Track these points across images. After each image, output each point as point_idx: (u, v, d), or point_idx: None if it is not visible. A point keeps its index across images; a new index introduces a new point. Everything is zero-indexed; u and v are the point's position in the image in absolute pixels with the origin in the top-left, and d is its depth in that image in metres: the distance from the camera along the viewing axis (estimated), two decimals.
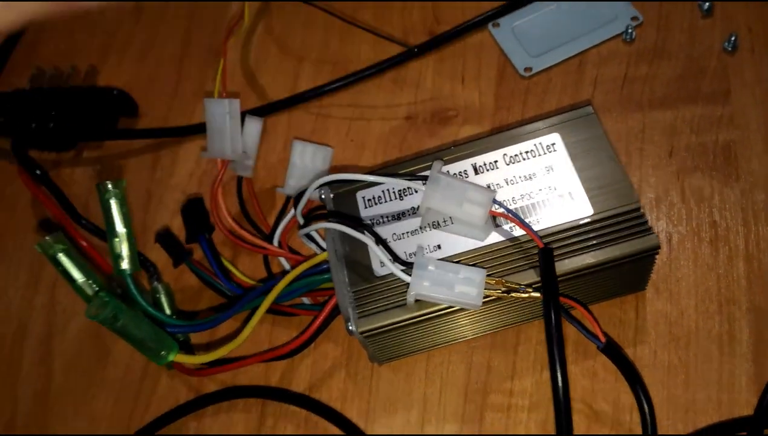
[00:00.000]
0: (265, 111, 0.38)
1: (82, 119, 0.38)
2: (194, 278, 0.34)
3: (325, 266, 0.30)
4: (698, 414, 0.28)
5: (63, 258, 0.28)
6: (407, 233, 0.29)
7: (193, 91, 0.41)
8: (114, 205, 0.29)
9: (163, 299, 0.33)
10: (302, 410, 0.31)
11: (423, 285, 0.26)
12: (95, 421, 0.32)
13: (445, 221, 0.28)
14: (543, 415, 0.29)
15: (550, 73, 0.37)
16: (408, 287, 0.26)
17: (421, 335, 0.29)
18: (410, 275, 0.26)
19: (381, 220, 0.29)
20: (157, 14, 0.44)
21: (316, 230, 0.31)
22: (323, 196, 0.30)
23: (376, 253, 0.27)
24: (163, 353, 0.28)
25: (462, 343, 0.31)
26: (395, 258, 0.27)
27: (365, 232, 0.28)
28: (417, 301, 0.27)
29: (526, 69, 0.37)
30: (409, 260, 0.27)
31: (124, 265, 0.29)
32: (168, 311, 0.32)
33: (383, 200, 0.30)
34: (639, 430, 0.27)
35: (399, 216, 0.29)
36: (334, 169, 0.35)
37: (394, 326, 0.27)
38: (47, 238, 0.28)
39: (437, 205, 0.27)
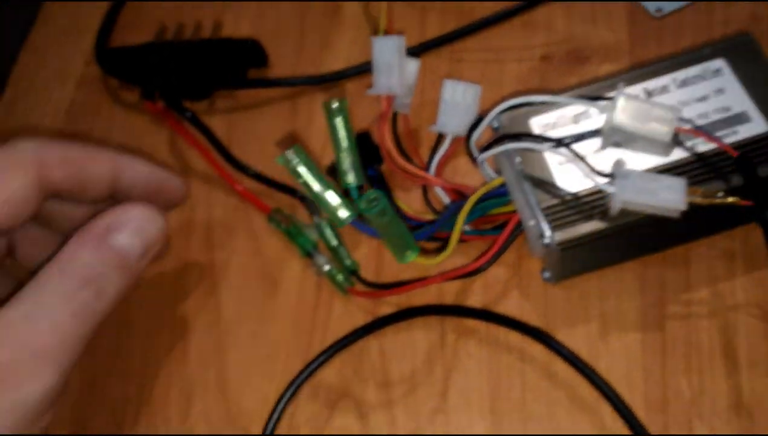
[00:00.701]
0: None
1: (217, 70, 0.39)
2: None
3: (501, 190, 0.31)
4: None
5: (303, 170, 0.29)
6: (587, 154, 0.30)
7: (319, 43, 0.42)
8: (340, 121, 0.30)
9: (328, 232, 0.34)
10: (481, 327, 0.32)
11: (629, 193, 0.27)
12: (274, 346, 0.33)
13: (626, 141, 0.30)
14: (722, 322, 0.31)
15: (681, 13, 0.39)
16: (611, 197, 0.28)
17: (610, 248, 0.30)
18: (613, 186, 0.28)
19: None
20: None
21: (485, 160, 0.32)
22: (497, 125, 0.32)
23: (578, 166, 0.29)
24: (408, 252, 0.29)
25: (632, 263, 0.32)
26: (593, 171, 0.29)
27: (560, 148, 0.29)
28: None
29: (657, 10, 0.39)
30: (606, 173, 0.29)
31: (350, 178, 0.30)
32: (335, 242, 0.34)
33: (557, 126, 0.31)
34: None
35: (576, 139, 0.31)
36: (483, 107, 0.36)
37: (592, 236, 0.29)
38: (288, 151, 0.29)
39: (623, 123, 0.29)
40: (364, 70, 0.39)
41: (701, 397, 0.30)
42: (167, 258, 0.35)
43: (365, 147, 0.34)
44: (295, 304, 0.34)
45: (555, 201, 0.29)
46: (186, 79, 0.38)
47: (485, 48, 0.40)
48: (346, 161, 0.31)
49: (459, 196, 0.34)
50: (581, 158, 0.29)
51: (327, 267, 0.33)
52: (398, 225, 0.28)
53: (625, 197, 0.27)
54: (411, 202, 0.35)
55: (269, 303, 0.34)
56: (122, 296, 0.27)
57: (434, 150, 0.35)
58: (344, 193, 0.32)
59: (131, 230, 0.27)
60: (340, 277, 0.33)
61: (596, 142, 0.30)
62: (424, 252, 0.33)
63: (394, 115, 0.36)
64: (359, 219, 0.30)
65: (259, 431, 0.31)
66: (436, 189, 0.34)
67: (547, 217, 0.29)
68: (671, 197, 0.27)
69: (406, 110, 0.35)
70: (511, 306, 0.32)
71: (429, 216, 0.34)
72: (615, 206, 0.27)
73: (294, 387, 0.32)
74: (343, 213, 0.28)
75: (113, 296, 0.27)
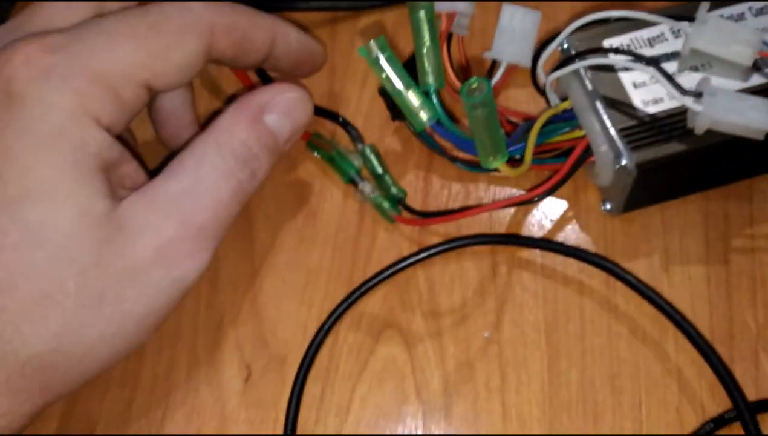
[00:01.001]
0: None
1: None
2: (396, 141, 0.34)
3: (566, 115, 0.30)
4: None
5: (386, 64, 0.27)
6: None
7: None
8: (423, 17, 0.28)
9: (374, 158, 0.32)
10: (535, 259, 0.30)
11: (717, 111, 0.26)
12: (313, 274, 0.31)
13: (703, 65, 0.29)
14: None
15: None
16: (696, 117, 0.26)
17: (682, 175, 0.29)
18: (700, 104, 0.26)
19: None
20: None
21: (553, 80, 0.31)
22: (566, 46, 0.30)
23: (660, 85, 0.27)
24: (498, 156, 0.27)
25: (694, 197, 0.31)
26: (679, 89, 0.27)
27: (641, 64, 0.27)
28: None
29: None
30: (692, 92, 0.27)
31: (431, 79, 0.28)
32: (380, 169, 0.32)
33: (632, 48, 0.30)
34: None
35: (654, 60, 0.29)
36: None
37: (671, 159, 0.27)
38: (372, 42, 0.27)
39: (704, 45, 0.27)
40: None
41: (767, 330, 0.28)
42: None
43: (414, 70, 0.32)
44: (335, 232, 0.32)
45: (631, 122, 0.28)
46: None
47: None
48: (429, 61, 0.28)
49: (512, 126, 0.32)
50: (667, 75, 0.27)
51: (373, 194, 0.31)
52: (495, 122, 0.26)
53: (713, 116, 0.26)
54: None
55: (307, 230, 0.32)
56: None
57: (488, 74, 0.34)
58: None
59: (283, 110, 0.27)
60: (386, 204, 0.31)
61: (672, 66, 0.29)
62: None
63: (449, 37, 0.34)
64: (438, 124, 0.28)
65: (296, 359, 0.29)
66: None
67: (625, 137, 0.27)
68: (759, 117, 0.26)
69: (464, 32, 0.33)
70: (567, 239, 0.31)
71: None
72: (701, 126, 0.26)
73: (336, 315, 0.30)
74: (424, 115, 0.26)
75: (262, 179, 0.27)
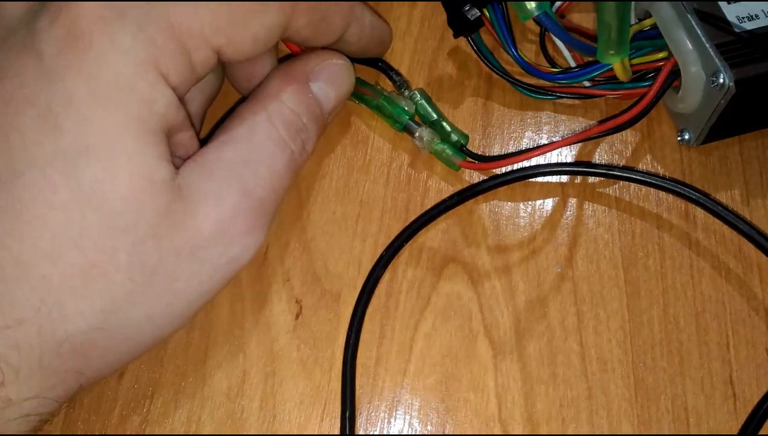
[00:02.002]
0: None
1: None
2: (451, 65, 0.31)
3: (650, 33, 0.27)
4: None
5: None
6: None
7: None
8: None
9: (426, 105, 0.29)
10: (608, 191, 0.28)
11: None
12: (365, 205, 0.28)
13: None
14: None
15: None
16: None
17: None
18: None
19: None
20: None
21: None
22: None
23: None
24: (620, 50, 0.23)
25: None
26: None
27: None
28: None
29: None
30: None
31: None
32: (435, 116, 0.29)
33: None
34: None
35: None
36: None
37: None
38: None
39: None
40: None
41: None
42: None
43: None
44: (388, 160, 0.29)
45: (728, 38, 0.25)
46: None
47: None
48: None
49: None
50: None
51: (436, 141, 0.28)
52: (628, 13, 0.23)
53: None
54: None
55: (357, 158, 0.29)
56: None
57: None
58: None
59: (328, 78, 0.26)
60: (449, 151, 0.28)
61: None
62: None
63: None
64: (545, 16, 0.25)
65: (351, 295, 0.27)
66: (558, 43, 0.30)
67: (722, 54, 0.25)
68: None
69: None
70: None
71: (550, 69, 0.30)
72: None
73: (394, 248, 0.27)
74: (532, 3, 0.23)
75: (310, 153, 0.26)
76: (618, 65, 0.25)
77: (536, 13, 0.24)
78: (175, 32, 0.21)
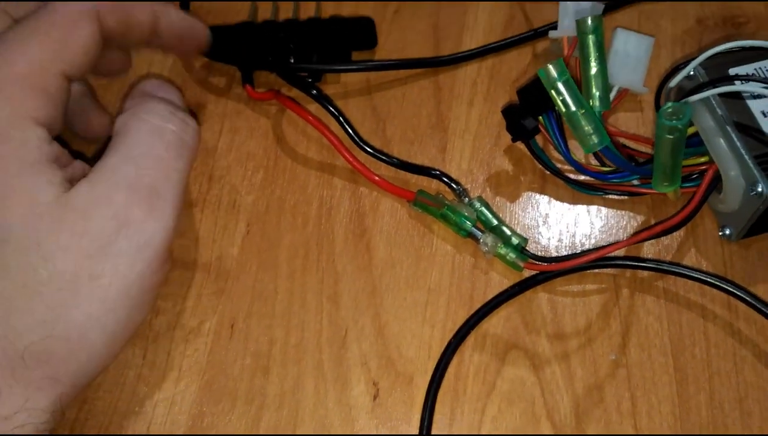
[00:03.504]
0: None
1: (330, 50, 0.36)
2: (507, 161, 0.34)
3: (693, 141, 0.30)
4: None
5: (563, 87, 0.27)
6: None
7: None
8: (593, 38, 0.28)
9: (486, 212, 0.32)
10: (657, 283, 0.31)
11: None
12: (433, 293, 0.31)
13: None
14: None
15: None
16: None
17: None
18: None
19: None
20: None
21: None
22: (693, 73, 0.31)
23: None
24: (673, 181, 0.27)
25: None
26: None
27: None
28: None
29: None
30: None
31: (598, 102, 0.29)
32: (495, 222, 0.32)
33: (758, 75, 0.30)
34: None
35: None
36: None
37: None
38: (550, 64, 0.27)
39: None
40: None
41: None
42: (311, 202, 0.33)
43: (529, 96, 0.32)
44: (452, 252, 0.32)
45: (765, 150, 0.28)
46: (304, 58, 0.35)
47: (638, 9, 0.39)
48: (596, 85, 0.29)
49: (626, 150, 0.33)
50: None
51: (500, 245, 0.30)
52: (681, 149, 0.26)
53: None
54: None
55: (425, 249, 0.32)
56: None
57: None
58: None
59: (161, 86, 0.30)
60: (512, 255, 0.31)
61: None
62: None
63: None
64: (606, 149, 0.29)
65: (423, 378, 0.29)
66: None
67: (760, 164, 0.28)
68: None
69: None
70: (686, 264, 0.31)
71: (600, 168, 0.33)
72: None
73: (462, 334, 0.30)
74: (596, 138, 0.27)
75: (197, 130, 0.29)
76: (671, 193, 0.28)
77: (599, 148, 0.27)
78: (24, 79, 0.25)
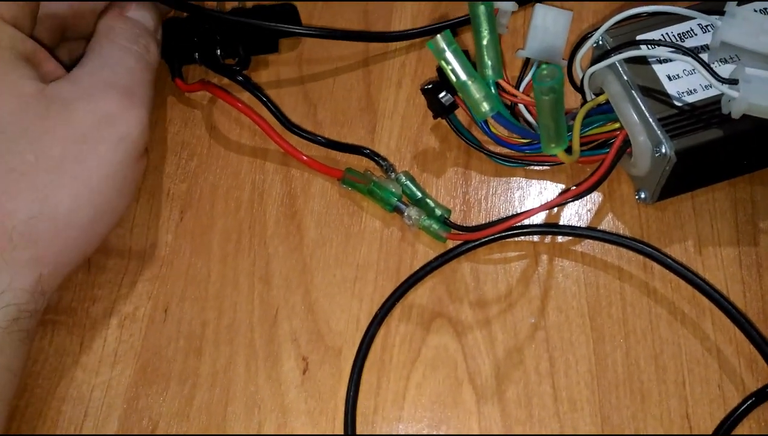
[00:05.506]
0: None
1: (255, 38, 0.36)
2: (434, 139, 0.35)
3: (603, 108, 0.31)
4: None
5: (452, 57, 0.28)
6: (692, 70, 0.30)
7: None
8: (483, 12, 0.29)
9: (412, 186, 0.33)
10: (575, 248, 0.32)
11: (754, 96, 0.27)
12: (361, 269, 0.32)
13: (731, 57, 0.30)
14: None
15: None
16: (734, 103, 0.27)
17: (717, 162, 0.30)
18: (736, 90, 0.28)
19: None
20: None
21: (591, 74, 0.32)
22: (600, 42, 0.31)
23: (701, 72, 0.28)
24: (559, 142, 0.28)
25: (722, 185, 0.32)
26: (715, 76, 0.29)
27: (684, 54, 0.29)
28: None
29: None
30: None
31: (490, 71, 0.30)
32: (419, 195, 0.33)
33: (664, 40, 0.31)
34: None
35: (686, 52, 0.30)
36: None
37: (709, 145, 0.29)
38: (438, 36, 0.28)
39: (733, 38, 0.29)
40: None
41: None
42: (243, 187, 0.34)
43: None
44: (380, 228, 0.33)
45: (669, 112, 0.29)
46: (230, 49, 0.35)
47: None
48: (488, 55, 0.30)
49: None
50: (704, 64, 0.28)
51: (423, 218, 0.31)
52: (561, 109, 0.27)
53: (750, 100, 0.27)
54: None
55: (354, 227, 0.33)
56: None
57: (520, 78, 0.35)
58: None
59: (137, 7, 0.32)
60: (435, 226, 0.31)
61: (703, 58, 0.30)
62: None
63: None
64: (498, 114, 0.30)
65: (351, 351, 0.30)
66: (523, 111, 0.34)
67: (664, 126, 0.29)
68: None
69: (503, 30, 0.34)
70: (604, 228, 0.32)
71: (519, 140, 0.33)
72: (738, 110, 0.27)
73: (388, 306, 0.31)
74: (486, 105, 0.28)
75: (156, 53, 0.32)
76: (561, 154, 0.29)
77: (490, 115, 0.27)
78: None
